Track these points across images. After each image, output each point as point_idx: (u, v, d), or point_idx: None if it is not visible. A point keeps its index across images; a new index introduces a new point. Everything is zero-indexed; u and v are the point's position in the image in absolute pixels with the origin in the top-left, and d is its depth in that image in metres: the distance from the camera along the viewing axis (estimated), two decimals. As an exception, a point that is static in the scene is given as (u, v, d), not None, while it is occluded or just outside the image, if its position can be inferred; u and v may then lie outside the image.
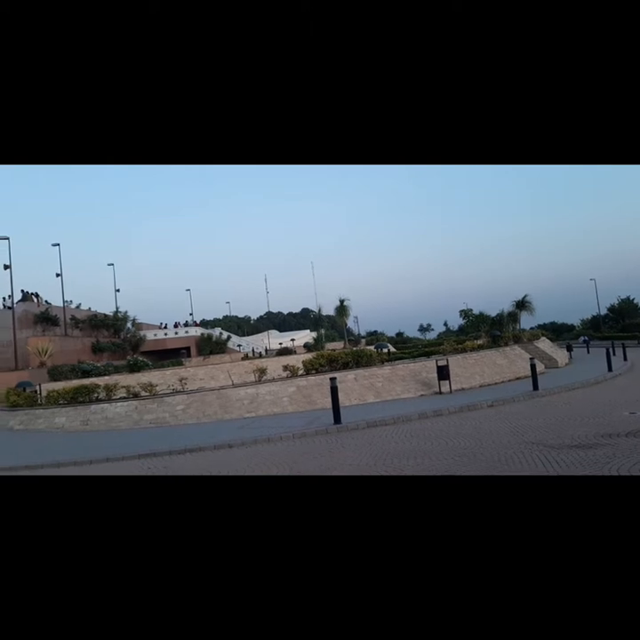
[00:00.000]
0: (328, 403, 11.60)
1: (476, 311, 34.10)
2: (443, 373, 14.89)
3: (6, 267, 31.84)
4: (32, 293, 39.10)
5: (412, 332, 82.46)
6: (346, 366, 15.66)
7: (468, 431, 9.14)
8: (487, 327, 28.04)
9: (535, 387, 13.42)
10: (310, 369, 15.61)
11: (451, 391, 14.74)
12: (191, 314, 59.68)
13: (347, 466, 7.37)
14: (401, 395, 14.84)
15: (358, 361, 15.96)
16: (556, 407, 11.15)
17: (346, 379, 14.51)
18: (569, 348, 27.39)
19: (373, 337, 47.74)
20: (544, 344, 23.31)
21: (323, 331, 48.27)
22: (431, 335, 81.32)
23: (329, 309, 48.97)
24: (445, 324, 77.49)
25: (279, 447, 9.46)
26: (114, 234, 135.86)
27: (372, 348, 23.27)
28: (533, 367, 14.02)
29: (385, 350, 24.93)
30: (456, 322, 59.11)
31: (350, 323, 53.83)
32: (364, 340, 44.88)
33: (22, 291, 37.76)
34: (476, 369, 16.82)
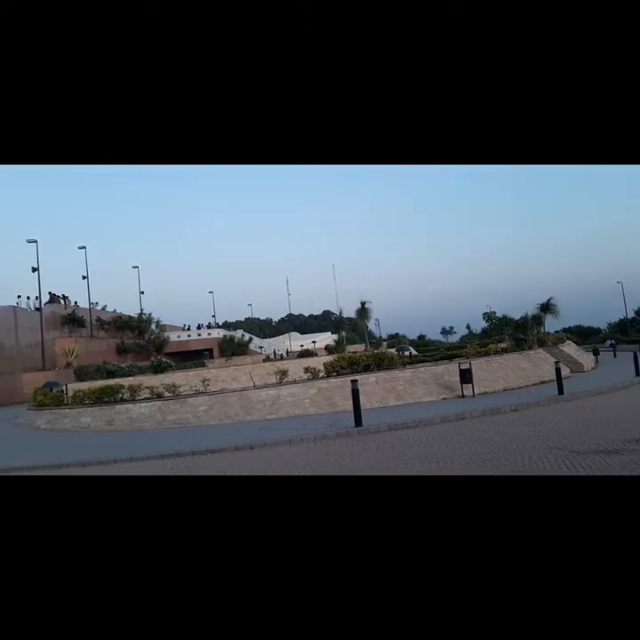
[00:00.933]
0: (349, 405, 11.58)
1: (499, 314, 33.73)
2: (465, 377, 14.73)
3: (34, 269, 32.60)
4: (59, 295, 39.94)
5: (434, 334, 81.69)
6: (367, 369, 15.61)
7: (492, 435, 9.02)
8: (511, 330, 27.65)
9: (560, 391, 13.18)
10: (331, 371, 15.60)
11: (474, 395, 14.57)
12: (214, 316, 60.24)
13: (368, 469, 7.34)
14: (423, 398, 14.73)
15: (379, 364, 15.89)
16: (582, 412, 10.93)
17: (367, 381, 14.47)
18: (595, 352, 26.82)
19: (395, 340, 47.51)
20: (569, 348, 22.88)
21: (344, 333, 48.27)
22: (454, 338, 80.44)
23: (350, 312, 49.01)
24: (468, 327, 76.74)
25: (300, 449, 9.47)
26: (139, 237, 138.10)
27: (393, 350, 23.15)
28: (558, 371, 13.77)
29: (406, 353, 24.76)
30: (479, 325, 58.46)
31: (371, 325, 53.68)
32: (385, 343, 44.65)
33: (50, 293, 38.58)
34: (499, 372, 16.60)
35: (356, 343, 48.58)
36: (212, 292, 63.73)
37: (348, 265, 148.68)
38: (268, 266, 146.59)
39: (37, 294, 34.19)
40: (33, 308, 34.71)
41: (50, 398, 17.49)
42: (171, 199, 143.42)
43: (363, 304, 42.59)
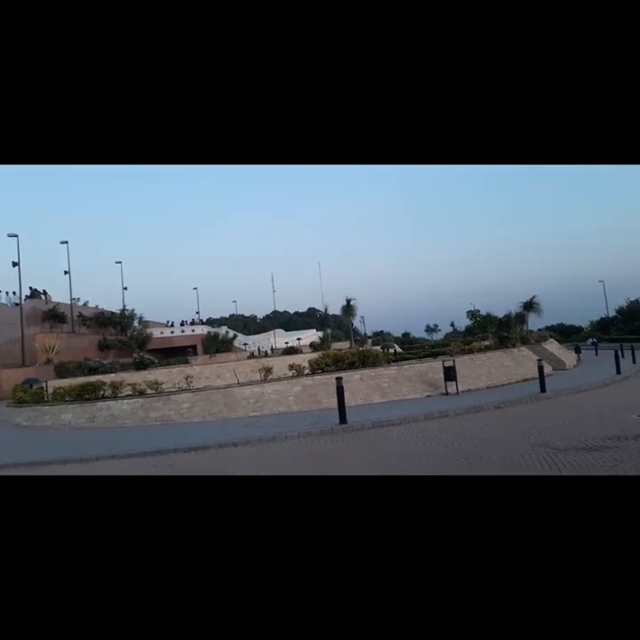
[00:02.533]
0: (334, 402, 11.57)
1: (483, 312, 33.95)
2: (449, 374, 14.82)
3: (15, 264, 32.02)
4: (40, 291, 39.32)
5: (418, 332, 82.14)
6: (352, 366, 15.62)
7: (475, 433, 9.09)
8: (494, 328, 27.89)
9: (542, 389, 13.33)
10: (316, 368, 15.58)
11: (457, 392, 14.67)
12: (198, 312, 59.76)
13: (352, 466, 7.34)
14: (407, 395, 14.79)
15: (364, 361, 15.92)
16: (564, 409, 11.06)
17: (352, 379, 14.48)
18: (577, 350, 27.19)
19: (380, 337, 47.66)
20: (552, 346, 23.15)
21: (329, 330, 48.25)
22: (438, 336, 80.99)
23: (335, 309, 48.97)
24: (452, 325, 77.15)
25: (284, 446, 9.45)
26: (122, 233, 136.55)
27: (378, 348, 23.19)
28: (541, 369, 13.92)
29: (391, 350, 24.85)
30: (463, 323, 58.80)
31: (356, 323, 53.71)
32: (370, 340, 44.81)
33: (30, 288, 37.99)
34: (482, 370, 16.73)
35: (341, 340, 48.62)
36: (196, 289, 63.03)
37: (334, 263, 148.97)
38: (253, 263, 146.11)
39: (18, 289, 33.60)
40: (13, 303, 34.12)
41: (30, 395, 17.22)
42: (155, 197, 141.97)
43: (348, 301, 42.55)
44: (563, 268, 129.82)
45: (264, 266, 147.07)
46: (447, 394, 14.72)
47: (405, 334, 67.65)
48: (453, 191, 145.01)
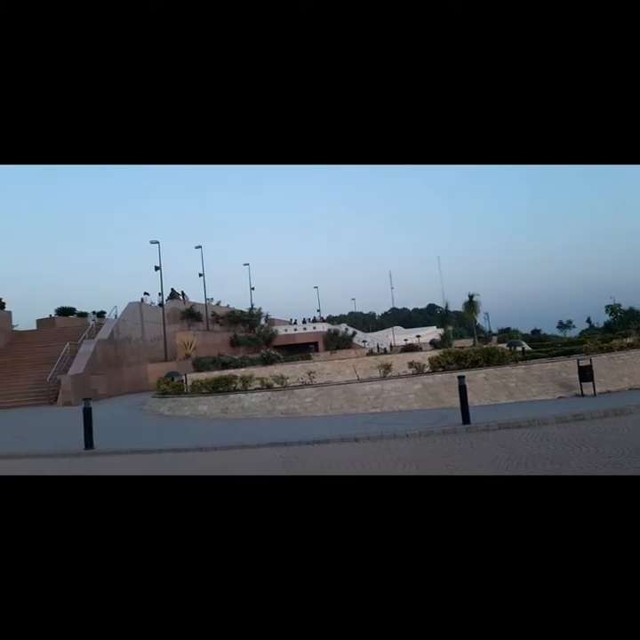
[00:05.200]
0: (456, 402, 11.27)
1: (625, 307, 30.75)
2: (585, 374, 13.67)
3: (157, 268, 35.44)
4: (179, 292, 43.11)
5: (550, 329, 76.40)
6: (475, 364, 15.07)
7: (615, 438, 8.32)
8: (638, 324, 25.14)
9: (699, 392, 11.78)
10: (437, 366, 15.27)
11: (594, 394, 13.49)
12: (319, 310, 61.46)
13: (475, 467, 7.13)
14: (537, 396, 13.93)
15: (489, 359, 15.26)
16: None
17: (475, 378, 13.98)
18: None
19: (506, 334, 45.23)
20: None
21: (450, 327, 46.88)
22: (572, 333, 74.81)
23: (457, 305, 47.47)
24: (588, 321, 70.88)
25: (405, 444, 9.42)
26: (250, 236, 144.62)
27: (504, 345, 22.08)
28: (697, 370, 12.30)
29: (519, 348, 23.51)
30: (601, 318, 53.77)
31: (480, 319, 51.49)
32: (495, 338, 42.71)
33: (171, 289, 41.80)
34: (624, 370, 15.19)
35: (463, 338, 47.02)
36: (316, 287, 65.05)
37: (455, 257, 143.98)
38: (372, 260, 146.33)
39: (160, 291, 37.18)
40: (156, 304, 37.79)
41: (171, 387, 18.95)
42: (278, 199, 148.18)
43: (470, 297, 40.98)
44: None
45: (383, 263, 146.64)
46: (582, 395, 13.59)
47: (535, 331, 63.41)
48: (583, 179, 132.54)
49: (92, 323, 30.51)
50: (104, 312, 35.23)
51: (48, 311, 36.96)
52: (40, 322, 34.93)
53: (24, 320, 35.35)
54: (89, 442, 10.74)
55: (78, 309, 36.98)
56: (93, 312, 35.59)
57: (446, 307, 51.73)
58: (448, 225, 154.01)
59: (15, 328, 33.03)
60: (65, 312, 36.34)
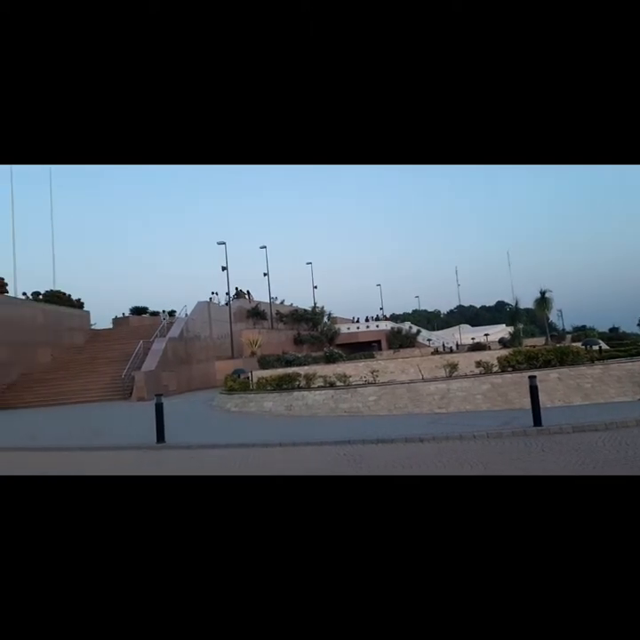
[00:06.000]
0: (526, 403, 10.81)
1: None
2: (670, 375, 12.72)
3: (224, 268, 36.49)
4: (244, 291, 44.19)
5: (629, 327, 71.77)
6: (548, 364, 14.40)
7: None
8: None
9: None
10: (506, 366, 14.72)
11: (681, 397, 12.53)
12: (381, 308, 61.08)
13: (547, 471, 6.79)
14: (615, 398, 13.12)
15: (562, 359, 14.53)
16: None
17: (547, 378, 13.35)
18: None
19: (581, 332, 43.01)
20: None
21: (520, 325, 45.08)
22: (656, 331, 69.81)
23: (527, 302, 45.61)
24: (673, 318, 65.79)
25: (472, 446, 9.14)
26: (311, 234, 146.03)
27: (579, 344, 20.98)
28: None
29: (595, 347, 22.25)
30: (689, 315, 49.73)
31: (553, 316, 49.23)
32: (569, 336, 40.75)
33: (237, 289, 42.92)
34: None
35: (534, 336, 45.14)
36: (379, 285, 64.48)
37: (525, 252, 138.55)
38: (437, 257, 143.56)
39: (226, 290, 38.28)
40: (223, 303, 38.93)
41: (238, 384, 19.44)
42: (344, 199, 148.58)
43: (542, 293, 39.26)
44: None
45: (448, 259, 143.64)
46: (667, 398, 12.66)
47: (613, 329, 59.75)
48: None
49: (164, 321, 31.82)
50: (174, 311, 36.72)
51: (123, 310, 39.07)
52: (115, 321, 36.93)
53: (102, 319, 37.48)
54: (160, 436, 11.20)
55: (150, 309, 38.79)
56: (164, 311, 37.17)
57: (516, 304, 49.82)
58: (518, 220, 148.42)
59: (93, 327, 35.11)
60: (138, 311, 38.22)
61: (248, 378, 20.21)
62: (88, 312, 34.74)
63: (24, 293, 30.93)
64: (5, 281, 28.03)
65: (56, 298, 31.89)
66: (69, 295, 33.54)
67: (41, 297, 31.61)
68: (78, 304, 33.98)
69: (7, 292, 28.05)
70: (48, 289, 32.54)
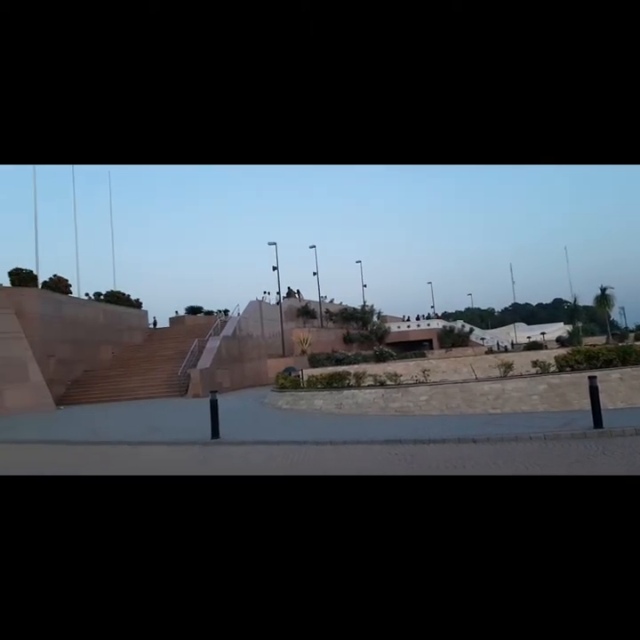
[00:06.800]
0: (586, 404, 10.41)
1: None
2: None
3: (274, 268, 37.00)
4: (294, 290, 44.66)
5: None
6: (609, 364, 13.79)
7: None
8: None
9: None
10: (564, 366, 14.21)
11: None
12: (432, 306, 60.25)
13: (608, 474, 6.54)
14: (683, 400, 12.41)
15: (625, 358, 13.88)
16: None
17: (608, 378, 12.80)
18: None
19: (645, 331, 40.84)
20: None
21: (579, 324, 43.34)
22: None
23: (587, 299, 43.84)
24: None
25: (528, 448, 8.91)
26: (360, 234, 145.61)
27: (642, 343, 19.95)
28: None
29: (661, 347, 21.03)
30: None
31: (614, 314, 47.11)
32: (632, 335, 38.75)
33: (288, 288, 43.46)
34: None
35: (594, 335, 43.25)
36: (430, 283, 63.49)
37: (584, 247, 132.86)
38: (490, 254, 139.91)
39: (277, 290, 38.80)
40: (274, 302, 39.49)
41: (289, 382, 19.68)
42: (393, 198, 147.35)
43: (603, 290, 37.61)
44: None
45: (502, 256, 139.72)
46: None
47: (681, 327, 56.45)
48: None
49: (219, 320, 32.62)
50: (228, 310, 37.60)
51: (179, 309, 40.33)
52: (172, 320, 38.18)
53: (159, 318, 38.82)
54: (215, 432, 11.52)
55: (205, 308, 39.86)
56: (219, 311, 38.10)
57: (575, 301, 47.90)
58: (578, 218, 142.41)
59: (151, 325, 36.45)
60: (193, 311, 39.37)
61: (299, 376, 20.40)
62: (146, 311, 36.10)
63: (86, 294, 32.53)
64: (69, 282, 29.49)
65: (116, 298, 33.31)
66: (128, 295, 34.97)
67: (102, 297, 33.10)
68: (137, 304, 35.37)
69: (71, 293, 29.52)
70: (108, 289, 34.05)
